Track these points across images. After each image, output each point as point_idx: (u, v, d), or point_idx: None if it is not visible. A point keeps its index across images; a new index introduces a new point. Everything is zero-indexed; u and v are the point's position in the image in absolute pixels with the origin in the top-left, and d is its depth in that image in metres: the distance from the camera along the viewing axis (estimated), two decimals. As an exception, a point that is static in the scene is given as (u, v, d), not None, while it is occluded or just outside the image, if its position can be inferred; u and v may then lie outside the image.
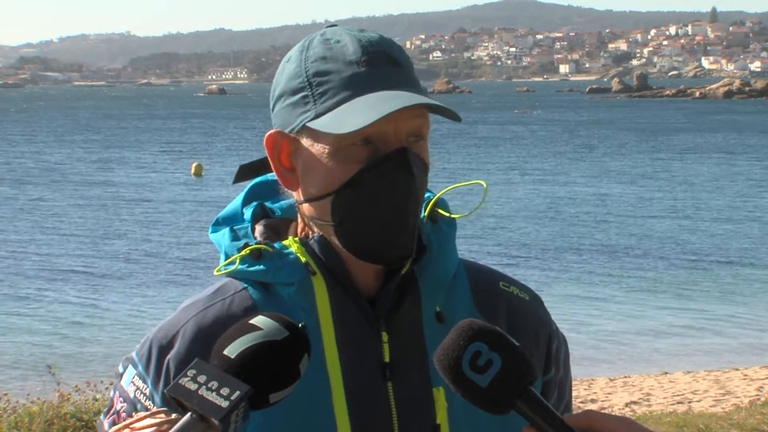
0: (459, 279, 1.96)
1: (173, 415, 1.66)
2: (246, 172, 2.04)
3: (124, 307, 17.98)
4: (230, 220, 1.98)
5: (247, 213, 1.97)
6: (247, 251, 1.89)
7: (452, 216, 1.97)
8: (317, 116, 1.85)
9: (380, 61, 1.86)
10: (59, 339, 15.98)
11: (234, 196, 2.04)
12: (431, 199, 1.95)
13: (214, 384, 1.62)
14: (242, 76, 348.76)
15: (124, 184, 38.31)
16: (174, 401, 1.64)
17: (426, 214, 1.94)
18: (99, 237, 25.95)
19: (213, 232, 1.99)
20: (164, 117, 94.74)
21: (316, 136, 1.86)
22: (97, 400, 8.64)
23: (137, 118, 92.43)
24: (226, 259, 1.93)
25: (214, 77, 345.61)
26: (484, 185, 2.00)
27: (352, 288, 1.87)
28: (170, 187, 37.43)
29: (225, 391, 1.61)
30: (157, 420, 1.67)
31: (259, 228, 1.95)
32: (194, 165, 42.72)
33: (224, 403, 1.60)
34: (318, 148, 1.86)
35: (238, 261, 1.89)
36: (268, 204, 1.99)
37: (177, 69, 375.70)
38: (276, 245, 1.90)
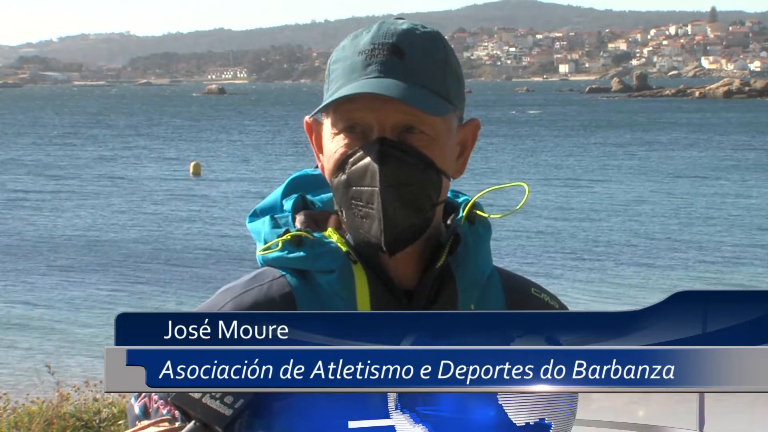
0: (492, 281, 1.99)
1: (177, 423, 1.65)
2: None
3: (123, 306, 17.95)
4: (269, 211, 2.01)
5: (288, 204, 2.00)
6: (289, 236, 1.91)
7: (489, 217, 2.00)
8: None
9: (381, 51, 1.89)
10: (59, 337, 15.96)
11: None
12: (469, 201, 1.98)
13: (218, 392, 1.61)
14: (242, 75, 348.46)
15: (122, 183, 38.26)
16: (178, 409, 1.63)
17: (464, 215, 1.96)
18: (98, 235, 25.92)
19: (250, 222, 2.01)
20: (163, 116, 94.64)
21: (326, 123, 1.93)
22: (96, 400, 8.64)
23: (136, 117, 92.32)
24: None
25: (213, 77, 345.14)
26: (526, 187, 2.02)
27: (390, 280, 1.90)
28: (169, 185, 37.38)
29: (229, 398, 1.60)
30: (161, 429, 1.66)
31: (299, 218, 1.97)
32: (193, 164, 42.73)
33: (228, 411, 1.60)
34: (325, 133, 1.94)
35: (280, 244, 1.92)
36: (308, 196, 2.02)
37: (177, 68, 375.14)
38: (316, 234, 1.92)
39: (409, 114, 1.87)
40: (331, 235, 1.93)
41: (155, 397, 1.82)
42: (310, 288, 1.90)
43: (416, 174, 1.88)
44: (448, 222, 1.98)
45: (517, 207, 2.04)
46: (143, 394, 1.87)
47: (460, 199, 2.01)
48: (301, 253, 1.91)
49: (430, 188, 1.89)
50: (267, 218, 1.98)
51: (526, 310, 1.97)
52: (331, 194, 1.98)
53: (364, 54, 1.89)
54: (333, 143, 1.90)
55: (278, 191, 2.03)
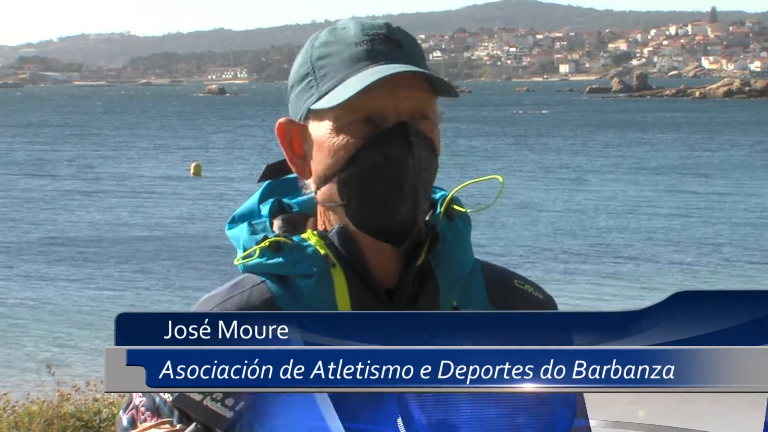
0: (474, 275, 1.98)
1: (178, 426, 1.65)
2: (272, 171, 2.05)
3: (124, 305, 17.95)
4: (247, 217, 2.00)
5: (264, 209, 1.99)
6: (267, 243, 1.90)
7: (467, 211, 1.99)
8: (320, 98, 1.89)
9: (380, 41, 1.89)
10: (60, 336, 15.96)
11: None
12: (446, 197, 1.97)
13: (218, 394, 1.61)
14: (242, 75, 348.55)
15: (122, 183, 38.26)
16: (179, 411, 1.63)
17: (442, 210, 1.95)
18: (99, 235, 25.93)
19: (230, 228, 2.00)
20: (163, 116, 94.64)
21: (321, 118, 1.90)
22: (97, 400, 8.64)
23: (136, 118, 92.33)
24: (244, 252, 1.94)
25: (213, 77, 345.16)
26: (501, 180, 2.01)
27: (371, 280, 1.89)
28: (170, 186, 37.39)
29: (230, 401, 1.61)
30: (163, 430, 1.66)
31: (277, 222, 1.96)
32: (193, 165, 42.77)
33: (228, 414, 1.60)
34: (322, 130, 1.90)
35: (258, 252, 1.91)
36: (285, 200, 2.01)
37: (177, 69, 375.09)
38: (295, 238, 1.91)
39: (420, 99, 1.88)
40: (310, 238, 1.91)
41: (142, 408, 1.82)
42: (291, 292, 1.89)
43: (430, 159, 1.90)
44: (426, 218, 1.97)
45: (493, 200, 2.03)
46: (131, 406, 1.87)
47: (437, 195, 2.00)
48: (280, 259, 1.90)
49: (434, 175, 1.92)
50: (245, 225, 1.97)
51: (510, 302, 1.98)
52: (307, 196, 1.97)
53: (363, 44, 1.89)
54: (339, 137, 1.88)
55: (255, 197, 2.02)
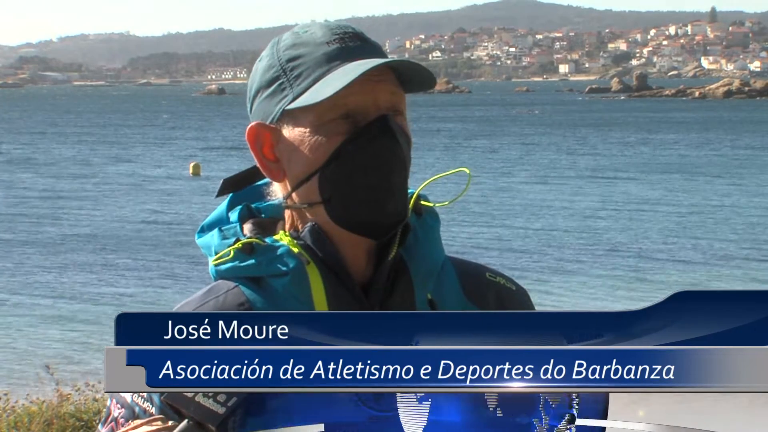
0: (446, 270, 1.98)
1: (170, 422, 1.66)
2: (230, 185, 2.05)
3: (124, 305, 17.93)
4: (216, 225, 1.99)
5: (234, 215, 1.98)
6: (240, 245, 1.90)
7: (436, 206, 1.99)
8: (295, 98, 1.87)
9: (349, 38, 1.89)
10: (59, 336, 15.96)
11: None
12: (414, 193, 1.96)
13: (210, 390, 1.61)
14: (242, 76, 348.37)
15: (122, 183, 38.27)
16: (171, 408, 1.63)
17: (410, 207, 1.94)
18: (98, 234, 25.92)
19: (199, 237, 1.99)
20: (163, 116, 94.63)
21: (297, 119, 1.88)
22: (96, 400, 8.64)
23: (135, 118, 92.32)
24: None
25: (213, 77, 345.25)
26: (467, 172, 2.02)
27: (346, 276, 1.89)
28: (168, 185, 37.39)
29: (222, 397, 1.61)
30: (154, 427, 1.66)
31: (247, 226, 1.96)
32: (192, 164, 42.77)
33: (221, 410, 1.60)
34: (299, 131, 1.88)
35: (233, 253, 1.90)
36: (254, 205, 2.00)
37: (176, 69, 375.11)
38: (267, 240, 1.91)
39: (396, 94, 1.89)
40: (282, 238, 1.91)
41: (122, 420, 1.82)
42: (267, 294, 1.89)
43: (409, 156, 1.91)
44: None
45: (460, 194, 2.03)
46: (110, 419, 1.86)
47: None
48: (253, 261, 1.89)
49: (409, 169, 1.92)
50: (215, 231, 1.96)
51: (484, 294, 1.99)
52: (275, 201, 1.97)
53: (334, 42, 1.89)
54: (318, 135, 1.87)
55: (222, 206, 2.02)
